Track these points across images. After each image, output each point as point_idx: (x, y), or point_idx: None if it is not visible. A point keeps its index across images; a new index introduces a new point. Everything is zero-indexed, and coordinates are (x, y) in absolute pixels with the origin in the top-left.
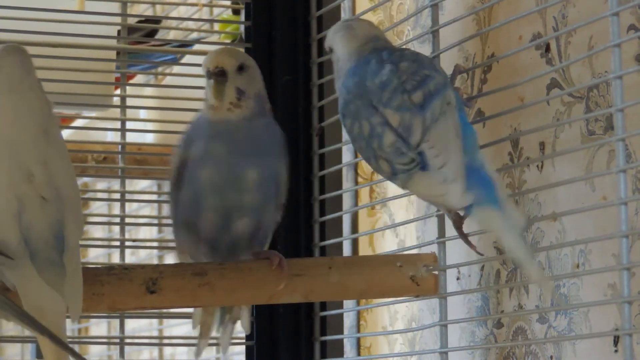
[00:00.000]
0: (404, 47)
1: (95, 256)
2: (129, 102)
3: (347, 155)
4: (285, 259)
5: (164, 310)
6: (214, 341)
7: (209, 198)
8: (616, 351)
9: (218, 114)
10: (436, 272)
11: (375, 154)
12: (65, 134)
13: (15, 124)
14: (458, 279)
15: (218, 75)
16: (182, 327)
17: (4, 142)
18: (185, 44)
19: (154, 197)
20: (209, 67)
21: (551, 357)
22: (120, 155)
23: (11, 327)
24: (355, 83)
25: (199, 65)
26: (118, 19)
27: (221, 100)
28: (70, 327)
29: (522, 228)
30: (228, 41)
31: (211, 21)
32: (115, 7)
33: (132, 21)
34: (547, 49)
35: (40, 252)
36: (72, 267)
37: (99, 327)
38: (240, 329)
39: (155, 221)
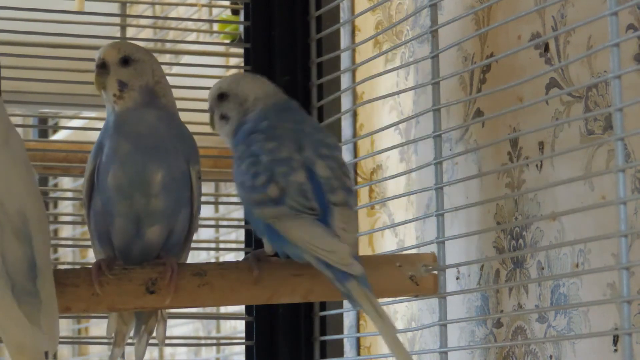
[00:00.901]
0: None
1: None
2: None
3: (346, 155)
4: (176, 270)
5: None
6: (214, 342)
7: (118, 204)
8: (616, 350)
9: (109, 107)
10: (435, 272)
11: (272, 175)
12: (65, 134)
13: None
14: (457, 278)
15: (100, 67)
16: (182, 327)
17: None
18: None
19: None
20: (95, 60)
21: (551, 356)
22: None
23: None
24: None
25: (197, 65)
26: (118, 19)
27: (105, 92)
28: (70, 327)
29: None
30: (227, 41)
31: (210, 21)
32: (115, 8)
33: (131, 21)
34: (546, 48)
35: (17, 282)
36: (45, 293)
37: (99, 327)
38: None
39: None
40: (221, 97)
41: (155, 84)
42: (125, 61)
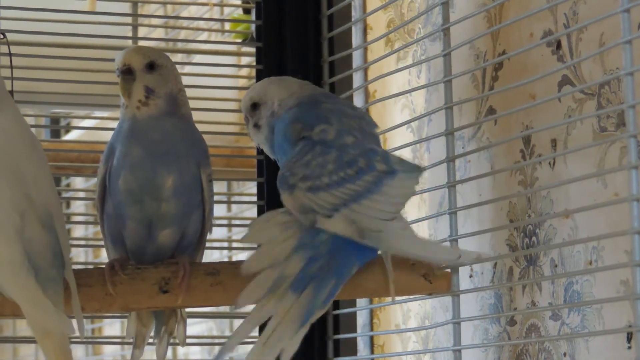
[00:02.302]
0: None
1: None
2: None
3: None
4: (188, 269)
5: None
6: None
7: (129, 207)
8: (629, 348)
9: (128, 112)
10: (449, 270)
11: (369, 156)
12: (77, 134)
13: (11, 135)
14: (471, 276)
15: (125, 73)
16: (196, 327)
17: (2, 154)
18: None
19: None
20: (118, 65)
21: (564, 354)
22: None
23: (25, 327)
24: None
25: (209, 64)
26: (129, 19)
27: (129, 99)
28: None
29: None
30: (239, 40)
31: (222, 20)
32: (126, 7)
33: (143, 21)
34: (558, 46)
35: (42, 269)
36: (72, 284)
37: (112, 327)
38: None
39: None
40: (254, 106)
41: (179, 91)
42: (151, 66)
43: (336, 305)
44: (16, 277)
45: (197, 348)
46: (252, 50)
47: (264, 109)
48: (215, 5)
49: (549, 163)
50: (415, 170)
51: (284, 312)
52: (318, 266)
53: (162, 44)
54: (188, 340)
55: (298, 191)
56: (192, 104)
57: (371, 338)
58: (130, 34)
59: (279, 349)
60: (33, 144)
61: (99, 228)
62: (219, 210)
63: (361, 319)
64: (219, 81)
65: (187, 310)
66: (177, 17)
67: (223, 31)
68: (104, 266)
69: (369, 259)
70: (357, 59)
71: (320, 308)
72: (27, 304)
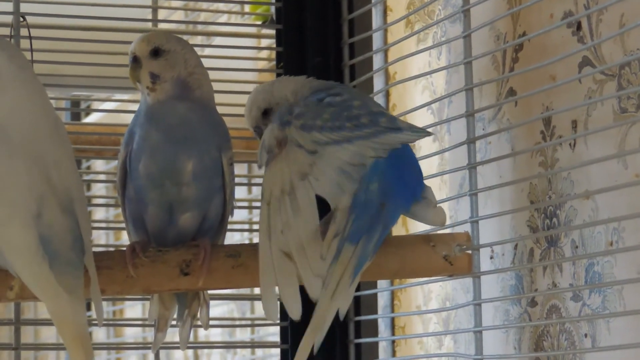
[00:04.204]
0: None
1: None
2: None
3: None
4: (209, 251)
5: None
6: (248, 323)
7: (150, 192)
8: None
9: (143, 98)
10: (469, 252)
11: (374, 115)
12: (97, 116)
13: (33, 117)
14: (492, 257)
15: (132, 62)
16: (216, 309)
17: (22, 137)
18: None
19: None
20: (129, 55)
21: (585, 334)
22: None
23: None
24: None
25: (230, 47)
26: (149, 1)
27: (140, 85)
28: (105, 309)
29: None
30: (259, 22)
31: (242, 2)
32: None
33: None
34: (579, 27)
35: (61, 253)
36: (92, 269)
37: (133, 309)
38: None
39: None
40: (266, 113)
41: (189, 75)
42: (156, 52)
43: (357, 287)
44: (30, 263)
45: (218, 330)
46: (272, 32)
47: (278, 109)
48: None
49: (570, 144)
50: (422, 132)
51: (344, 264)
52: (369, 216)
53: (182, 27)
54: (210, 322)
55: (292, 127)
56: (212, 86)
57: (392, 319)
58: (150, 17)
59: (340, 302)
60: (56, 126)
61: (119, 210)
62: (239, 192)
63: (382, 300)
64: (239, 63)
65: (209, 292)
66: (197, 0)
67: (243, 13)
68: (125, 249)
69: (416, 202)
70: (377, 41)
71: (370, 258)
72: (39, 290)
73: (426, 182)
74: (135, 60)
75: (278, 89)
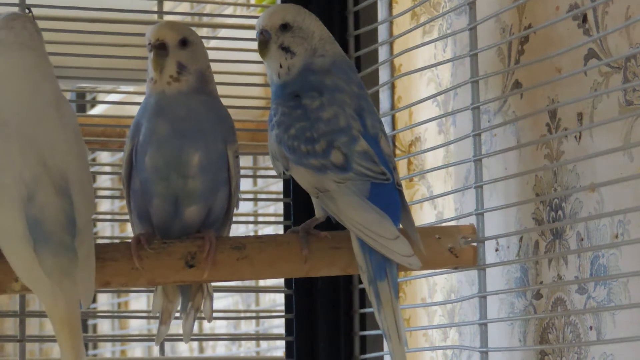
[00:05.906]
0: None
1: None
2: None
3: (385, 127)
4: (214, 243)
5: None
6: (253, 315)
7: (155, 184)
8: None
9: (156, 88)
10: (475, 244)
11: (330, 141)
12: (102, 108)
13: (33, 100)
14: (497, 250)
15: (159, 48)
16: (221, 301)
17: (16, 115)
18: None
19: None
20: (150, 40)
21: (590, 327)
22: None
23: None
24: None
25: (235, 39)
26: None
27: (161, 74)
28: (109, 301)
29: None
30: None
31: None
32: None
33: None
34: (584, 19)
35: (54, 235)
36: (83, 251)
37: (138, 301)
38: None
39: None
40: (284, 27)
41: (207, 68)
42: (184, 43)
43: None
44: (15, 245)
45: (223, 322)
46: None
47: (300, 35)
48: None
49: (575, 137)
50: (372, 177)
51: (388, 302)
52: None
53: (188, 18)
54: (214, 315)
55: (273, 134)
56: (217, 78)
57: None
58: (155, 9)
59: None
60: (57, 107)
61: (124, 202)
62: (244, 184)
63: None
64: (244, 55)
65: (213, 284)
66: None
67: (248, 5)
68: (130, 240)
69: None
70: (382, 33)
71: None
72: (22, 272)
73: (431, 174)
74: (162, 47)
75: (311, 22)
